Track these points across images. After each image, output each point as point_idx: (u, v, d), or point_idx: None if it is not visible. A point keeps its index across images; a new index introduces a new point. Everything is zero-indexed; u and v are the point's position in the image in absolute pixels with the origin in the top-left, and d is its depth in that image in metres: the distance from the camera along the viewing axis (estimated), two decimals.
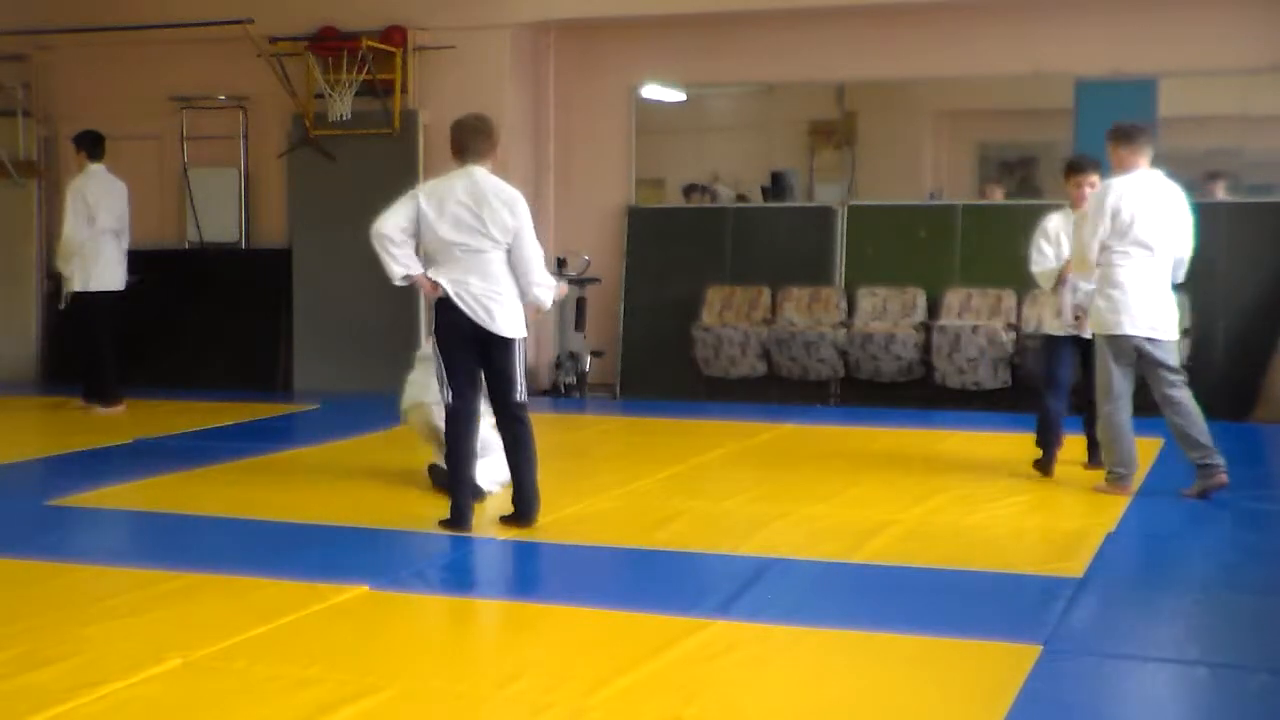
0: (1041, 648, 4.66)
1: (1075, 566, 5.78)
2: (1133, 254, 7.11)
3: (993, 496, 7.25)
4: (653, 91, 12.34)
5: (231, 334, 12.24)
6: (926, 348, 10.91)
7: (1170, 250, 7.19)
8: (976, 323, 10.75)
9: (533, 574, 6.12)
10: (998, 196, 11.43)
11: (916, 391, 10.98)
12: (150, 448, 9.05)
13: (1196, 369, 10.39)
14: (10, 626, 4.92)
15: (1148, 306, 7.15)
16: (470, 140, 6.51)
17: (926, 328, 11.00)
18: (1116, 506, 6.98)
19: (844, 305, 11.44)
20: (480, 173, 6.49)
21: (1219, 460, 7.12)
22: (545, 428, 10.11)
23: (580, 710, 4.14)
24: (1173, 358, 7.27)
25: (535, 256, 6.52)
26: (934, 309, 11.19)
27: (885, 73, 11.61)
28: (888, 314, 11.30)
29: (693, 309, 11.70)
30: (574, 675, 4.45)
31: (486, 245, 6.40)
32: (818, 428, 9.95)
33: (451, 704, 4.27)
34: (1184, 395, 7.17)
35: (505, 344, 6.47)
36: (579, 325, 11.80)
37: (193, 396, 11.24)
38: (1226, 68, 10.80)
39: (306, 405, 11.11)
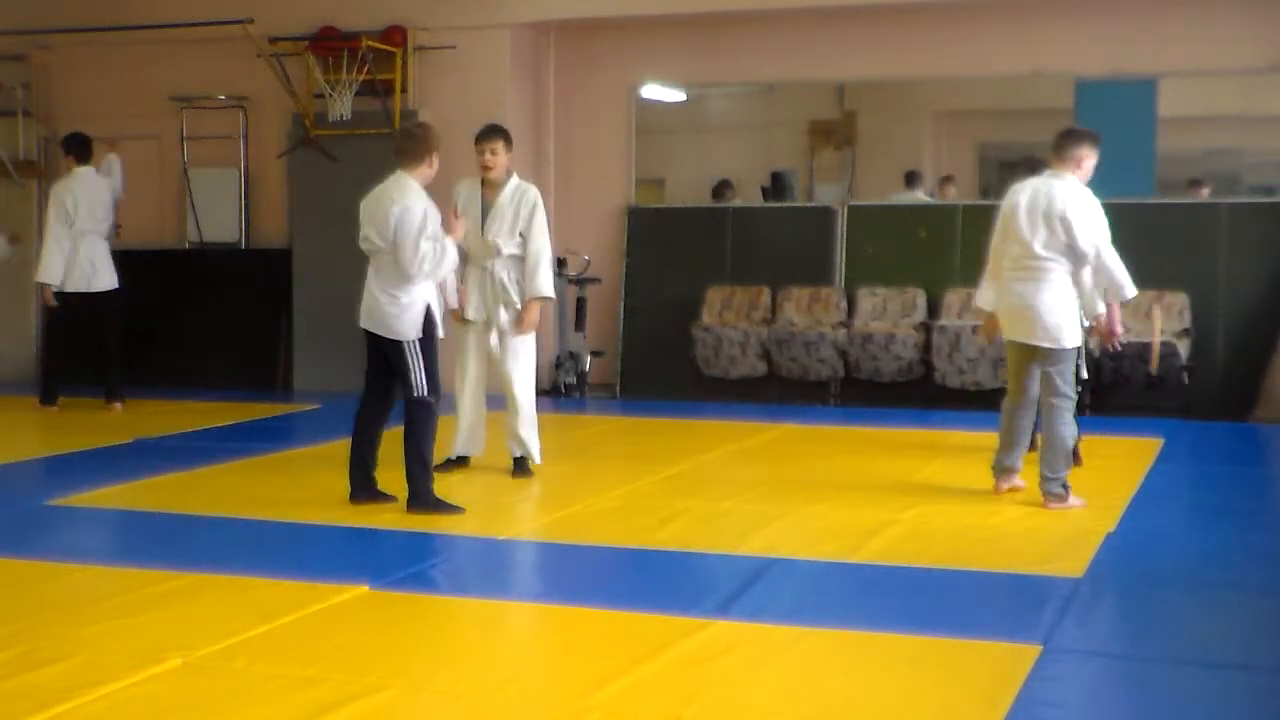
0: (1041, 648, 4.66)
1: (1075, 566, 5.79)
2: (1010, 254, 7.10)
3: (992, 497, 7.25)
4: (653, 91, 12.34)
5: (231, 334, 12.23)
6: (926, 348, 10.90)
7: (1052, 252, 6.96)
8: (977, 323, 10.73)
9: (533, 574, 6.12)
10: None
11: (916, 391, 10.98)
12: (150, 448, 9.05)
13: (1197, 369, 10.42)
14: (10, 626, 4.93)
15: (1009, 310, 7.13)
16: (400, 145, 7.00)
17: (926, 328, 11.00)
18: (1116, 507, 6.99)
19: (844, 305, 11.44)
20: (394, 179, 6.93)
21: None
22: (545, 428, 10.11)
23: (580, 710, 4.14)
24: (1056, 364, 7.02)
25: (407, 252, 6.79)
26: (934, 309, 11.19)
27: (885, 73, 11.61)
28: (888, 314, 11.30)
29: (693, 309, 11.70)
30: (574, 675, 4.46)
31: (378, 248, 6.92)
32: (818, 428, 9.95)
33: (451, 704, 4.27)
34: (1062, 406, 7.03)
35: (393, 345, 6.90)
36: (579, 325, 11.81)
37: (193, 396, 11.24)
38: (1226, 68, 10.79)
39: (306, 405, 11.11)
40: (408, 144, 6.97)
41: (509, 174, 7.84)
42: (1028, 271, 7.01)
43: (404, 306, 6.88)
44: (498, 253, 7.75)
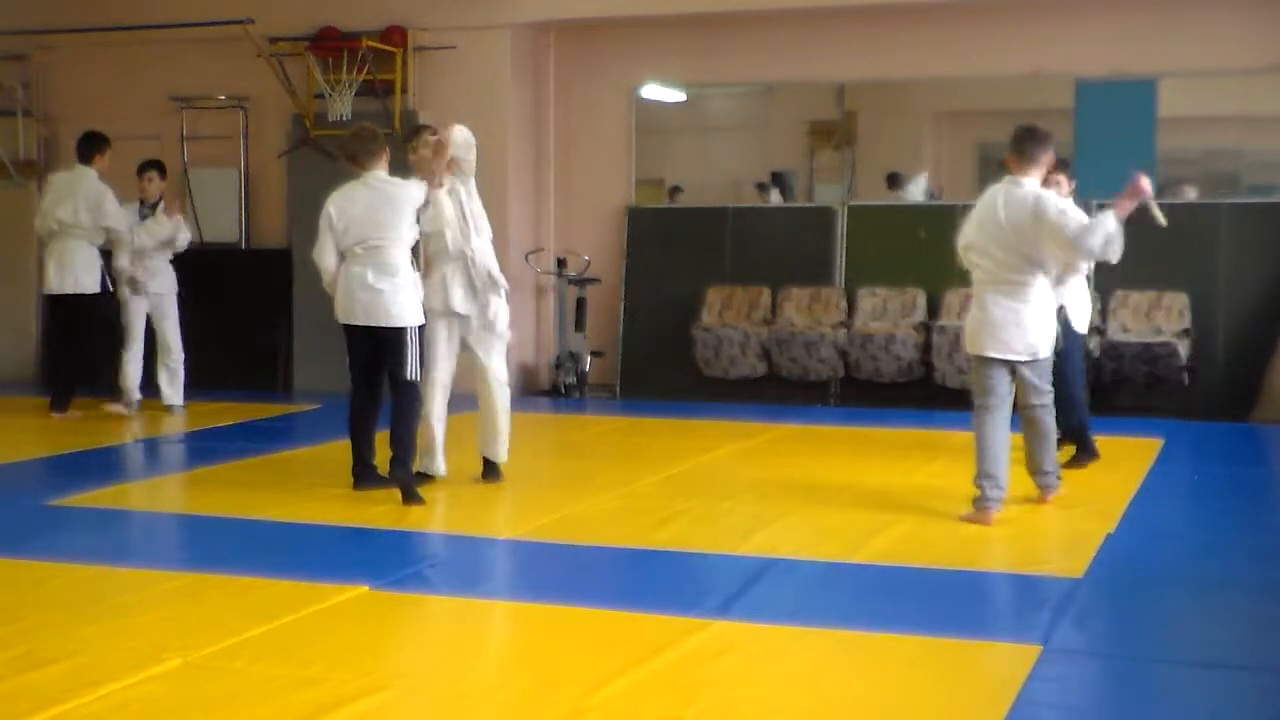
0: (1041, 648, 4.66)
1: (1075, 566, 5.79)
2: (980, 266, 6.71)
3: None
4: (653, 91, 12.34)
5: (231, 334, 12.23)
6: (926, 348, 10.90)
7: (1019, 261, 6.59)
8: None
9: (533, 574, 6.11)
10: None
11: (916, 391, 10.97)
12: (150, 448, 9.06)
13: (1197, 369, 10.42)
14: (10, 626, 4.93)
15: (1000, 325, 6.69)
16: (361, 147, 7.23)
17: (926, 328, 11.00)
18: (1117, 506, 6.99)
19: (844, 305, 11.44)
20: (375, 178, 7.20)
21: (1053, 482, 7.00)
22: (545, 428, 10.15)
23: (580, 710, 4.14)
24: (1034, 375, 6.75)
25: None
26: (934, 309, 11.18)
27: (885, 73, 11.61)
28: (888, 314, 11.30)
29: (693, 309, 11.70)
30: (574, 675, 4.46)
31: (385, 242, 7.11)
32: (818, 428, 9.95)
33: (451, 704, 4.28)
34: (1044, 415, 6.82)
35: (394, 333, 7.14)
36: (579, 325, 11.80)
37: (192, 396, 11.23)
38: (1226, 68, 10.79)
39: (306, 405, 11.11)
40: (370, 144, 7.26)
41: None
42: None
43: (409, 295, 7.17)
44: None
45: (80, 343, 10.39)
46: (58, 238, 10.32)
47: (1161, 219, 6.59)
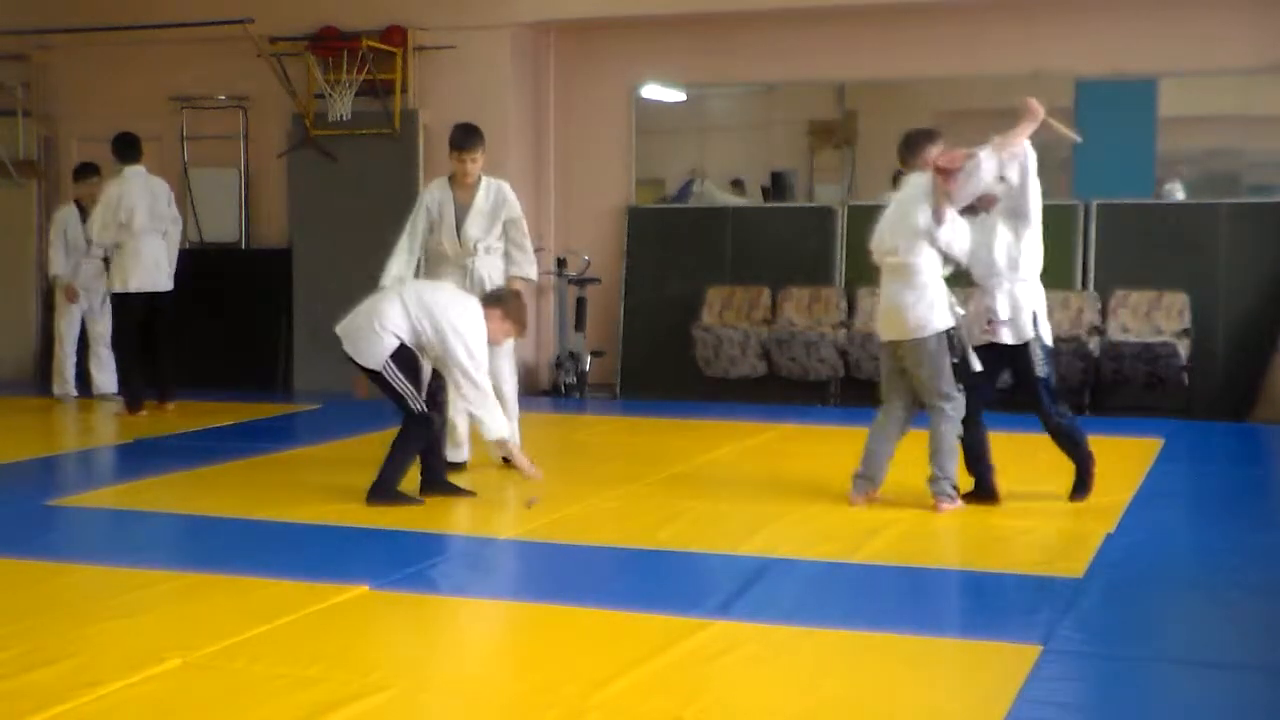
0: (1041, 648, 4.66)
1: (1075, 566, 5.79)
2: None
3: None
4: (653, 91, 12.34)
5: (231, 334, 12.24)
6: None
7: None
8: None
9: (533, 574, 6.11)
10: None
11: None
12: (150, 448, 9.05)
13: (1196, 369, 10.41)
14: (10, 626, 4.92)
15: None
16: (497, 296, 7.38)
17: None
18: (1116, 507, 6.99)
19: (844, 305, 11.44)
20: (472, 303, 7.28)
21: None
22: (545, 428, 10.15)
23: (580, 710, 4.14)
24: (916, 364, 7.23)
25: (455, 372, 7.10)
26: None
27: (885, 73, 11.61)
28: None
29: (693, 309, 11.70)
30: (574, 675, 4.45)
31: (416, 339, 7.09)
32: (818, 428, 9.95)
33: (451, 704, 4.28)
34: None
35: (372, 374, 7.02)
36: (579, 325, 11.81)
37: (193, 396, 11.23)
38: (1226, 68, 10.80)
39: (306, 405, 11.11)
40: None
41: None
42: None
43: (389, 344, 6.99)
44: (475, 250, 7.85)
45: (159, 339, 10.50)
46: (135, 239, 10.25)
47: (1073, 135, 7.13)
